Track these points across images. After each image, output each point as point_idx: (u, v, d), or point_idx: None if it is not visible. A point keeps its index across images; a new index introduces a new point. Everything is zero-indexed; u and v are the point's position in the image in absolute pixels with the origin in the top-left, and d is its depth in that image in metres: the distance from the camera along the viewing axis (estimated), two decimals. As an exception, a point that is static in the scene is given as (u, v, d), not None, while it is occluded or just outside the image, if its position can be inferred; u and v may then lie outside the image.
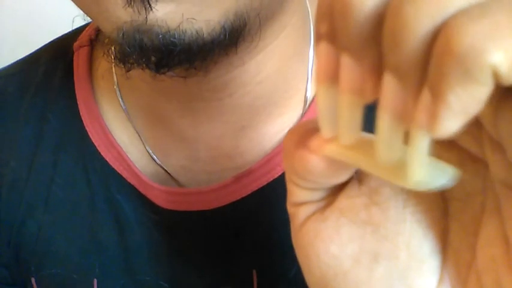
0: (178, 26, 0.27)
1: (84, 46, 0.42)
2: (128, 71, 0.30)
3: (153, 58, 0.28)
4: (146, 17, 0.27)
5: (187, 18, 0.27)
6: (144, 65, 0.29)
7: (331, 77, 0.18)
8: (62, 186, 0.40)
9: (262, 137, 0.38)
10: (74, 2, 0.30)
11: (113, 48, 0.31)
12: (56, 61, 0.43)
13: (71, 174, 0.40)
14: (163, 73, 0.30)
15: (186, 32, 0.27)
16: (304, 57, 0.38)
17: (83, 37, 0.43)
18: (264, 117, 0.37)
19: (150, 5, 0.26)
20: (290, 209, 0.23)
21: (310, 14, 0.38)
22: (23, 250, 0.41)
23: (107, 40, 0.32)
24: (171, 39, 0.27)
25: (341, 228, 0.21)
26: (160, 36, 0.27)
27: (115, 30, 0.28)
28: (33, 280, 0.41)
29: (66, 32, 0.46)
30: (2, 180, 0.41)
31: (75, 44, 0.43)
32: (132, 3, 0.26)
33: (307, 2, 0.38)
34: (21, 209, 0.41)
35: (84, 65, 0.41)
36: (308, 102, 0.38)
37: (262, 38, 0.33)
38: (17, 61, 0.46)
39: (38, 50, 0.46)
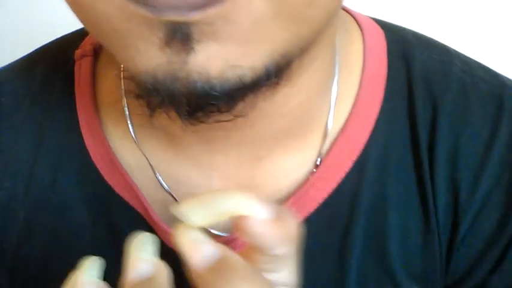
0: (220, 73, 0.23)
1: (87, 56, 0.38)
2: (151, 113, 0.26)
3: (186, 107, 0.25)
4: (185, 60, 0.23)
5: (231, 65, 0.23)
6: (174, 113, 0.26)
7: None
8: (61, 210, 0.37)
9: (278, 171, 0.35)
10: (90, 32, 0.26)
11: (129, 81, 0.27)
12: (55, 70, 0.39)
13: (70, 197, 0.37)
14: (195, 122, 0.26)
15: (228, 80, 0.23)
16: (328, 89, 0.35)
17: (86, 44, 0.39)
18: (283, 149, 0.35)
19: (192, 46, 0.22)
20: None
21: (338, 45, 0.35)
22: (19, 274, 0.38)
23: (123, 72, 0.28)
24: (211, 90, 0.23)
25: None
26: (199, 84, 0.23)
27: (143, 73, 0.24)
28: None
29: (68, 32, 0.41)
30: None
31: (77, 52, 0.38)
32: (171, 43, 0.22)
33: (338, 34, 0.35)
34: (18, 232, 0.38)
35: (87, 77, 0.37)
36: (329, 140, 0.35)
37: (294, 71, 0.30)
38: (9, 65, 0.41)
39: (33, 53, 0.41)
